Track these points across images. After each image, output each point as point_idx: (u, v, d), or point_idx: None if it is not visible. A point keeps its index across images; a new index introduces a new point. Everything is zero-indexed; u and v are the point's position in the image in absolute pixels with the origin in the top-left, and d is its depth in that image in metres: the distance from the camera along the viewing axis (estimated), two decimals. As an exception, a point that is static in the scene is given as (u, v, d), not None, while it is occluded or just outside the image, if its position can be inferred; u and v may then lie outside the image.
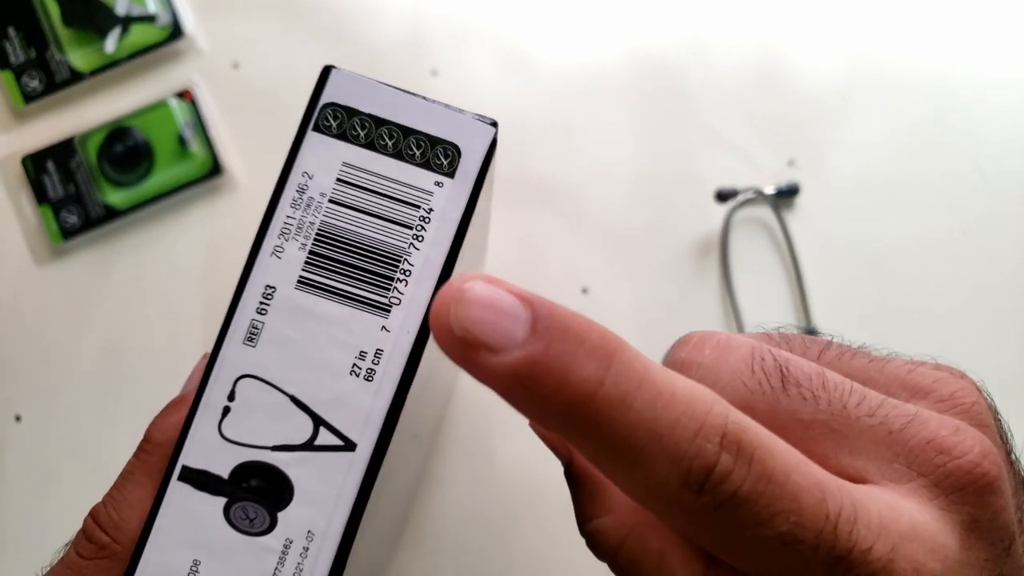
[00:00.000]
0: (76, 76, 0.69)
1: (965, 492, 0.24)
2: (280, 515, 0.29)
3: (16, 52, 0.69)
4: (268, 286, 0.30)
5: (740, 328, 0.67)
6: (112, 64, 0.69)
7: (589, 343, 0.22)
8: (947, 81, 0.72)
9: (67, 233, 0.68)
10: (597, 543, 0.28)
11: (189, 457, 0.29)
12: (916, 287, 0.70)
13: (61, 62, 0.69)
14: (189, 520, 0.29)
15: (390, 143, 0.30)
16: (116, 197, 0.68)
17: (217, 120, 0.70)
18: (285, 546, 0.29)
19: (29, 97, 0.69)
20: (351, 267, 0.29)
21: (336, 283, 0.29)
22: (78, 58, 0.69)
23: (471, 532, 0.66)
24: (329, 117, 0.30)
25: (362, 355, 0.29)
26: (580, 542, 0.30)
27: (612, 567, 0.27)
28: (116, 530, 0.31)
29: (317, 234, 0.30)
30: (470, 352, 0.22)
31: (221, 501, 0.29)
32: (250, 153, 0.70)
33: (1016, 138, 0.71)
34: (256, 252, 0.30)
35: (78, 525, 0.63)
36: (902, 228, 0.70)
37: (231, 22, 0.71)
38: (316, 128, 0.30)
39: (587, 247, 0.69)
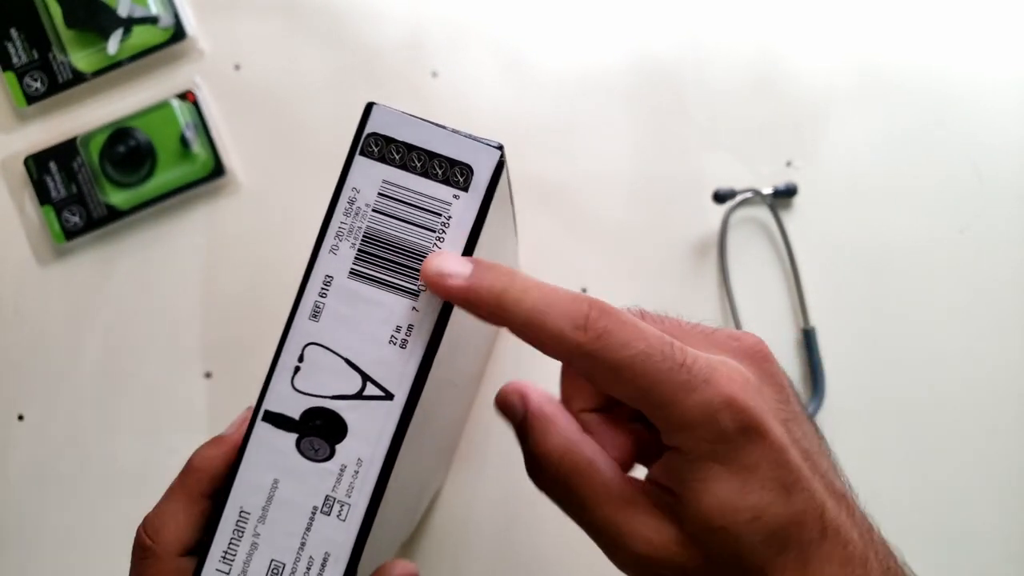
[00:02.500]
0: (78, 77, 0.87)
1: (752, 358, 0.48)
2: (338, 447, 0.47)
3: (19, 53, 0.86)
4: (327, 275, 0.48)
5: (738, 326, 0.84)
6: (114, 65, 0.87)
7: (500, 271, 0.46)
8: (944, 82, 0.87)
9: (69, 233, 0.86)
10: (543, 463, 0.50)
11: (270, 404, 0.48)
12: (913, 287, 0.85)
13: (63, 63, 0.86)
14: (270, 450, 0.48)
15: (419, 164, 0.48)
16: (118, 198, 0.86)
17: (219, 121, 0.87)
18: (341, 470, 0.47)
19: (31, 98, 0.87)
20: (389, 261, 0.47)
21: (378, 274, 0.48)
22: (80, 59, 0.87)
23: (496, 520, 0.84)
24: (372, 144, 0.48)
25: (398, 329, 0.48)
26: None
27: (553, 484, 0.50)
28: (156, 535, 0.50)
29: (364, 236, 0.48)
30: (442, 278, 0.46)
31: (293, 436, 0.47)
32: (252, 154, 0.87)
33: (1013, 139, 0.87)
34: (318, 249, 0.48)
35: (78, 524, 0.81)
36: (899, 228, 0.86)
37: (233, 24, 0.88)
38: (362, 152, 0.48)
39: (587, 247, 0.86)
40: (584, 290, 0.85)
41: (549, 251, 0.86)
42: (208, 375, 0.85)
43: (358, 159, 0.48)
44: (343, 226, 0.48)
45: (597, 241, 0.86)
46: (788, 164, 0.86)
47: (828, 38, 0.88)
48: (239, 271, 0.86)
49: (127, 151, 0.86)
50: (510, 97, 0.88)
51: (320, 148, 0.87)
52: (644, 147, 0.87)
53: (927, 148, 0.87)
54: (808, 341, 0.83)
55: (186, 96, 0.86)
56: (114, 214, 0.86)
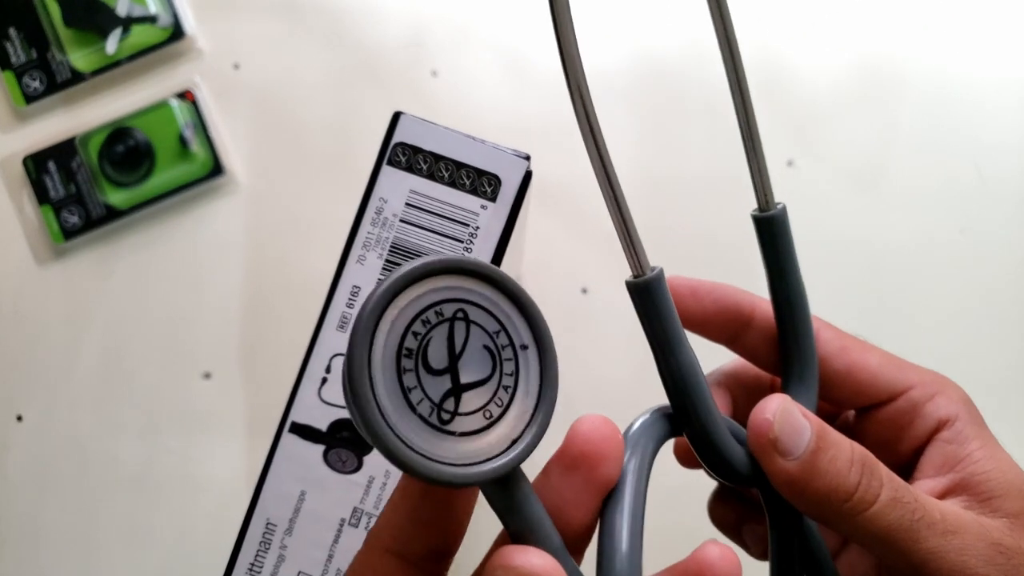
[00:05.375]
0: (77, 76, 0.86)
1: None
2: (365, 459, 0.47)
3: (17, 52, 0.86)
4: (355, 286, 0.48)
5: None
6: (113, 65, 0.86)
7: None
8: (945, 82, 0.87)
9: (68, 233, 0.85)
10: None
11: (297, 415, 0.47)
12: (914, 287, 0.86)
13: (62, 62, 0.86)
14: (297, 461, 0.47)
15: (446, 174, 0.48)
16: (117, 197, 0.85)
17: (218, 121, 0.86)
18: (369, 482, 0.47)
19: (30, 97, 0.86)
20: None
21: None
22: (79, 59, 0.86)
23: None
24: (399, 154, 0.48)
25: None
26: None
27: None
28: None
29: (391, 246, 0.47)
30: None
31: (320, 448, 0.47)
32: (251, 154, 0.87)
33: (1014, 139, 0.87)
34: (345, 259, 0.48)
35: (78, 524, 0.81)
36: (900, 228, 0.86)
37: (232, 23, 0.88)
38: (389, 162, 0.48)
39: (587, 247, 0.86)
40: (584, 290, 0.85)
41: (549, 251, 0.86)
42: (208, 375, 0.84)
43: (385, 169, 0.48)
44: (370, 236, 0.48)
45: (597, 241, 0.86)
46: (789, 164, 0.86)
47: (829, 38, 0.88)
48: (238, 271, 0.85)
49: (126, 151, 0.85)
50: (510, 97, 0.88)
51: (320, 148, 0.86)
52: (645, 147, 0.87)
53: (928, 148, 0.87)
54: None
55: (185, 95, 0.86)
56: (113, 214, 0.85)
